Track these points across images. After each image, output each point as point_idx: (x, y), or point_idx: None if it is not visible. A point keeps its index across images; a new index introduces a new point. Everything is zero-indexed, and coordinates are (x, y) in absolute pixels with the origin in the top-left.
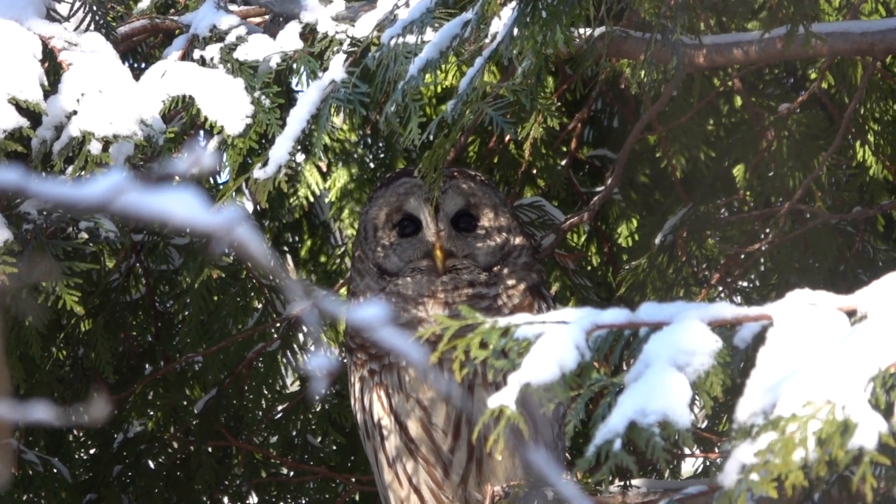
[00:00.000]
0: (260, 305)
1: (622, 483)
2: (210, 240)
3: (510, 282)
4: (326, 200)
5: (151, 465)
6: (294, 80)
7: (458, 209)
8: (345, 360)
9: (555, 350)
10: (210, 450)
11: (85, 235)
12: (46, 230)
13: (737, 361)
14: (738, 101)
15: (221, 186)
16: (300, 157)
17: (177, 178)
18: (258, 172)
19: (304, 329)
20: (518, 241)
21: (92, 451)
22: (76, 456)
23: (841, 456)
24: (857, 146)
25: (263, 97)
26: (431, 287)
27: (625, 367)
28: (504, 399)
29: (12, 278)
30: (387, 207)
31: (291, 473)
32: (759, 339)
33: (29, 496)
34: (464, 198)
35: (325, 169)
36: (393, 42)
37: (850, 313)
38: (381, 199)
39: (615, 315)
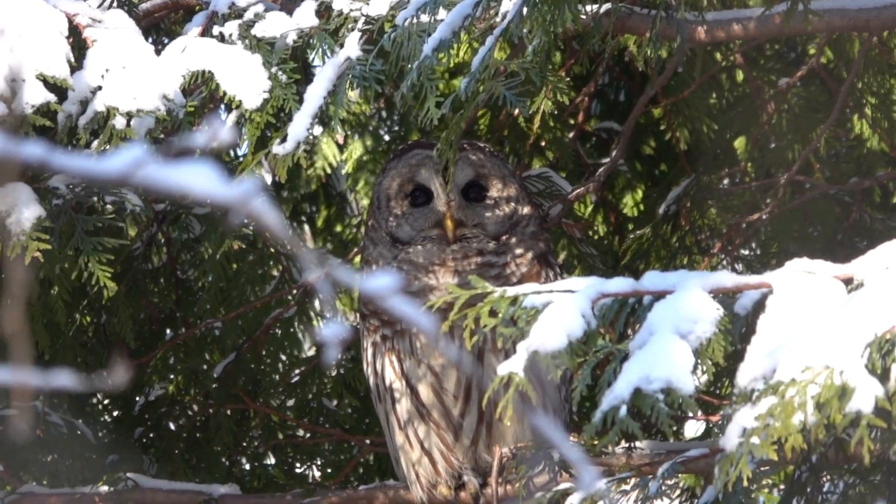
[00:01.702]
0: (277, 273)
1: (627, 445)
2: (228, 211)
3: (518, 251)
4: (343, 172)
5: (172, 427)
6: (311, 55)
7: (468, 180)
8: (358, 326)
9: (562, 318)
10: (228, 412)
11: (110, 208)
12: (74, 204)
13: (737, 328)
14: (740, 75)
15: (241, 159)
16: (318, 130)
17: (197, 151)
18: (277, 148)
19: (320, 296)
20: (526, 210)
21: (115, 414)
22: (100, 419)
23: (839, 419)
24: (854, 119)
25: (280, 73)
26: (442, 255)
27: (630, 333)
28: (513, 366)
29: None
30: (399, 178)
31: (308, 435)
32: (759, 306)
33: (53, 457)
34: (473, 169)
35: (341, 141)
36: (407, 23)
37: (847, 281)
38: (394, 171)
39: (620, 284)
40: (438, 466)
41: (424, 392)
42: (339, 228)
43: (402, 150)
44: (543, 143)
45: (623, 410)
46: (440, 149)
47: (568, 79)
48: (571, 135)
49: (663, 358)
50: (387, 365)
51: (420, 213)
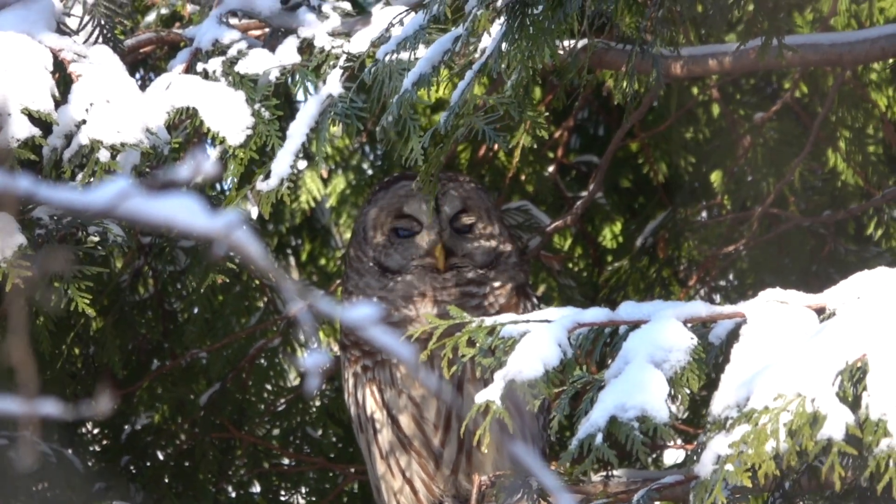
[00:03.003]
0: (262, 304)
1: (604, 474)
2: (211, 242)
3: (499, 282)
4: (327, 206)
5: (159, 455)
6: (298, 90)
7: (456, 211)
8: (340, 357)
9: (538, 348)
10: (215, 441)
11: (95, 239)
12: (58, 235)
13: (711, 357)
14: (717, 109)
15: (227, 193)
16: (302, 164)
17: (181, 184)
18: (261, 185)
19: (303, 328)
20: (506, 242)
21: (104, 443)
22: (89, 448)
23: (811, 446)
24: (829, 153)
25: (263, 109)
26: (434, 284)
27: (609, 361)
28: (490, 395)
29: (27, 279)
30: (387, 209)
31: (293, 463)
32: (733, 335)
33: (44, 485)
34: (461, 201)
35: (325, 175)
36: (388, 58)
37: (819, 311)
38: (382, 201)
39: (596, 314)
40: (420, 495)
41: (405, 422)
42: (322, 261)
43: (390, 182)
44: (523, 177)
45: (599, 438)
46: (418, 182)
47: (547, 113)
48: (551, 168)
49: (638, 387)
50: (367, 395)
51: (409, 242)
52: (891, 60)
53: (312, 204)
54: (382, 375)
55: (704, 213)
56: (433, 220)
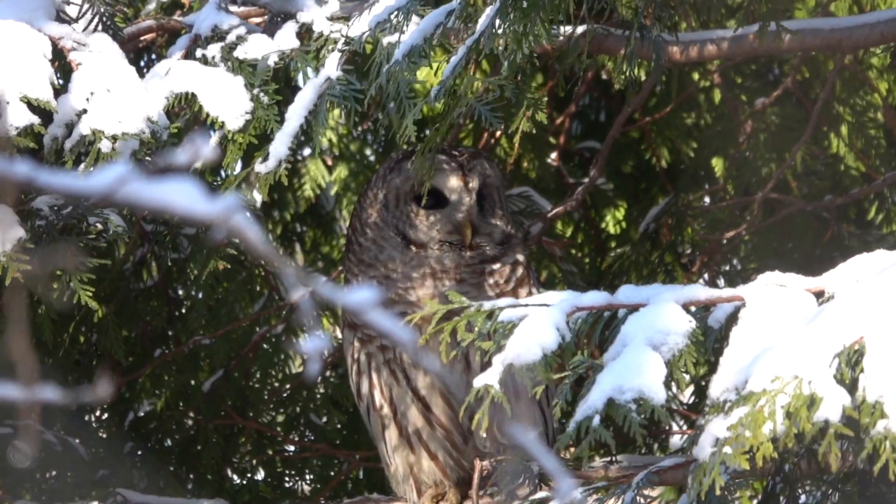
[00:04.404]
0: (265, 292)
1: (607, 459)
2: (210, 227)
3: (510, 259)
4: (332, 193)
5: (163, 442)
6: (299, 75)
7: (478, 189)
8: (343, 341)
9: (536, 331)
10: (219, 428)
11: (97, 228)
12: (58, 225)
13: (710, 341)
14: (718, 95)
15: (227, 178)
16: (304, 152)
17: (181, 170)
18: (259, 166)
19: (304, 315)
20: (509, 220)
21: (112, 430)
22: (94, 436)
23: (808, 428)
24: (831, 137)
25: (262, 94)
26: (458, 261)
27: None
28: (488, 379)
29: (28, 271)
30: (411, 180)
31: (297, 450)
32: (732, 319)
33: (50, 474)
34: (483, 179)
35: (330, 163)
36: (386, 41)
37: (818, 294)
38: (407, 171)
39: (595, 297)
40: (448, 470)
41: (434, 400)
42: (326, 249)
43: (413, 152)
44: (525, 164)
45: (596, 420)
46: (413, 164)
47: (547, 99)
48: (553, 155)
49: (636, 369)
50: (385, 374)
51: (434, 216)
52: (892, 45)
53: (317, 191)
54: (404, 354)
55: (707, 199)
56: (467, 196)
